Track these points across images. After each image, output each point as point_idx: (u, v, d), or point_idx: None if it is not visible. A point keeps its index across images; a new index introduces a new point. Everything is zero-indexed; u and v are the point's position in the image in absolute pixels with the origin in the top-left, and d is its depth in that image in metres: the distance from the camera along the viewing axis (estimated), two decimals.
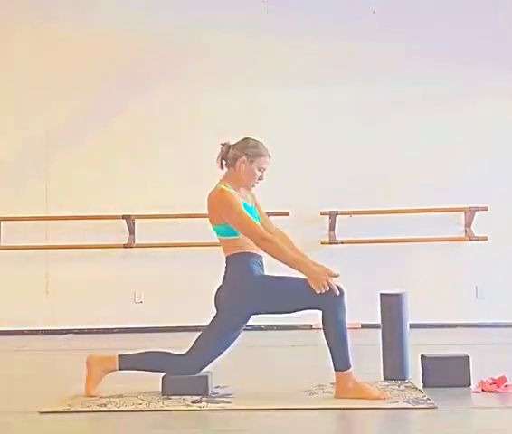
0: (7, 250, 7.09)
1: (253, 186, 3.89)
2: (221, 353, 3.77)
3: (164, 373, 3.75)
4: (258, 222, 3.75)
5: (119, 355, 3.78)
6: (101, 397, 3.69)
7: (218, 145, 3.90)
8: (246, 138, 3.85)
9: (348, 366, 3.62)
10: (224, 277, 3.80)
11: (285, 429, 3.20)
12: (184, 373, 3.72)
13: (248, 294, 3.70)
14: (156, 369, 3.78)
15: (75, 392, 3.80)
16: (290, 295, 3.68)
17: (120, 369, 3.77)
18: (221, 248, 3.84)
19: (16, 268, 7.11)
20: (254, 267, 3.74)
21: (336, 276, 3.64)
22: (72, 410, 3.49)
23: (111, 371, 3.77)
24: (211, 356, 3.74)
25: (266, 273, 3.80)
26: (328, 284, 3.59)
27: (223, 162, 3.88)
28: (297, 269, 3.64)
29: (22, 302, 7.02)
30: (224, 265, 3.81)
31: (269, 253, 3.64)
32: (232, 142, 3.86)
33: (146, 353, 3.83)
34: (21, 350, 6.04)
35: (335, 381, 3.64)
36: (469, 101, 7.16)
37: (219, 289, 3.82)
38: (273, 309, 3.76)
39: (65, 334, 6.93)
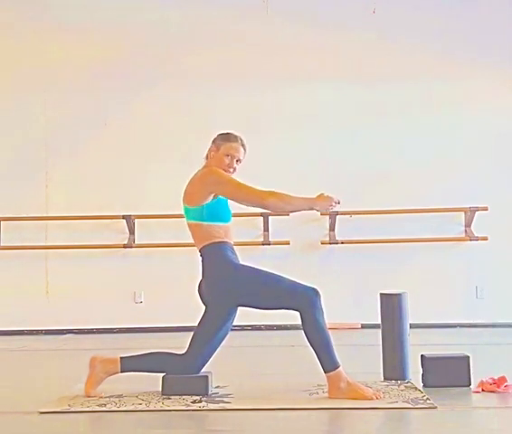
0: (7, 250, 7.09)
1: None
2: (216, 349, 3.77)
3: (164, 373, 3.76)
4: None
5: (121, 358, 3.78)
6: (101, 397, 3.69)
7: None
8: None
9: (336, 366, 3.61)
10: (203, 271, 3.80)
11: (285, 429, 3.20)
12: (185, 374, 3.73)
13: (229, 284, 3.70)
14: (158, 370, 3.78)
15: (75, 392, 3.80)
16: (269, 289, 3.67)
17: (122, 371, 3.77)
18: None
19: (16, 268, 7.12)
20: (229, 254, 3.75)
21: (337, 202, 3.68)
22: (72, 410, 3.48)
23: (113, 373, 3.77)
24: (208, 354, 3.75)
25: (243, 263, 3.79)
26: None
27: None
28: (308, 208, 3.69)
29: (22, 302, 7.02)
30: (200, 259, 3.82)
31: (276, 207, 3.66)
32: None
33: (147, 354, 3.83)
34: (21, 350, 6.04)
35: (326, 382, 3.64)
36: (469, 101, 7.16)
37: (200, 284, 3.84)
38: (252, 301, 3.72)
39: (65, 334, 6.93)
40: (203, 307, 3.80)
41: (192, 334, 3.78)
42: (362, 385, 3.64)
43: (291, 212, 3.75)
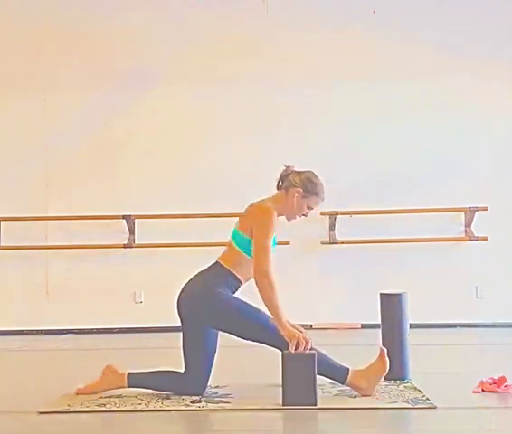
0: (7, 250, 7.09)
1: (293, 219, 3.84)
2: (213, 359, 3.76)
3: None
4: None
5: (129, 373, 3.80)
6: (101, 397, 3.70)
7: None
8: (311, 172, 3.82)
9: (346, 373, 3.64)
10: (201, 273, 3.78)
11: (285, 429, 3.20)
12: (191, 394, 3.70)
13: (205, 305, 3.68)
14: (164, 389, 3.78)
15: (75, 392, 3.81)
16: (253, 325, 3.66)
17: (129, 386, 3.78)
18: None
19: (16, 268, 7.11)
20: (229, 287, 3.71)
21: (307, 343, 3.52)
22: (72, 410, 3.49)
23: (119, 387, 3.79)
24: (207, 368, 3.74)
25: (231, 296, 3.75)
26: (300, 344, 3.51)
27: (280, 182, 3.85)
28: (276, 322, 3.58)
29: (22, 302, 7.02)
30: (210, 263, 3.81)
31: (260, 288, 3.56)
32: (297, 169, 3.83)
33: (154, 373, 3.82)
34: (21, 350, 6.04)
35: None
36: (469, 101, 7.15)
37: (187, 285, 3.79)
38: (233, 331, 3.72)
39: (65, 334, 6.93)
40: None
41: (182, 351, 3.76)
42: (372, 364, 3.67)
43: (266, 303, 3.58)
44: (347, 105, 7.17)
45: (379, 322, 4.17)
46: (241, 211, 3.90)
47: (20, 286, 7.06)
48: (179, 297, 3.80)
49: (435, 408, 3.41)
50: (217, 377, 3.88)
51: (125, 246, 7.08)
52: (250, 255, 3.68)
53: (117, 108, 7.25)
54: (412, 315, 4.19)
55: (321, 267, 7.00)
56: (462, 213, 7.07)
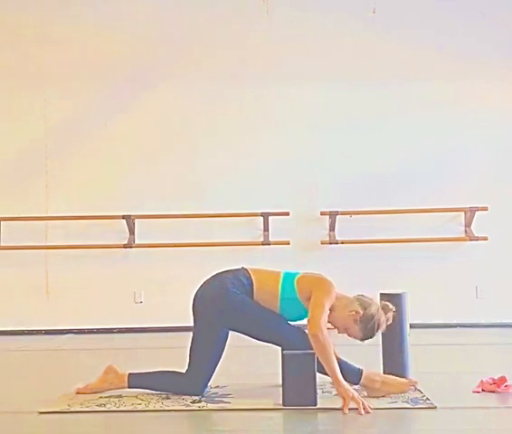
0: (7, 250, 7.09)
1: (329, 322, 3.75)
2: (218, 362, 3.77)
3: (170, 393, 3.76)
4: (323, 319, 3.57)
5: (130, 374, 3.80)
6: (101, 397, 3.70)
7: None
8: (383, 321, 3.74)
9: (359, 375, 3.64)
10: (222, 274, 3.80)
11: (284, 429, 3.20)
12: (190, 394, 3.70)
13: (223, 307, 3.69)
14: (164, 389, 3.78)
15: (75, 392, 3.81)
16: (267, 326, 3.68)
17: (129, 387, 3.79)
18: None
19: (16, 268, 7.11)
20: (243, 293, 3.72)
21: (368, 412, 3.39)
22: (72, 410, 3.49)
23: (120, 388, 3.80)
24: (211, 370, 3.74)
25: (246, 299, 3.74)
26: (357, 403, 3.39)
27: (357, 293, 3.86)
28: (332, 379, 3.50)
29: (22, 302, 7.02)
30: (238, 266, 3.84)
31: (314, 342, 3.48)
32: (381, 304, 3.79)
33: (154, 373, 3.82)
34: (21, 350, 6.04)
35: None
36: (469, 101, 7.15)
37: (204, 284, 3.82)
38: (246, 330, 3.74)
39: (65, 334, 6.93)
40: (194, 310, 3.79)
41: (189, 350, 3.76)
42: (396, 378, 3.69)
43: (320, 357, 3.49)
44: (347, 105, 7.17)
45: None
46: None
47: (20, 286, 7.06)
48: (195, 294, 3.82)
49: (435, 408, 3.41)
50: (217, 377, 3.87)
51: (125, 246, 7.08)
52: (280, 304, 3.69)
53: (117, 108, 7.25)
54: (412, 315, 4.18)
55: (321, 267, 6.94)
56: (462, 213, 7.07)
